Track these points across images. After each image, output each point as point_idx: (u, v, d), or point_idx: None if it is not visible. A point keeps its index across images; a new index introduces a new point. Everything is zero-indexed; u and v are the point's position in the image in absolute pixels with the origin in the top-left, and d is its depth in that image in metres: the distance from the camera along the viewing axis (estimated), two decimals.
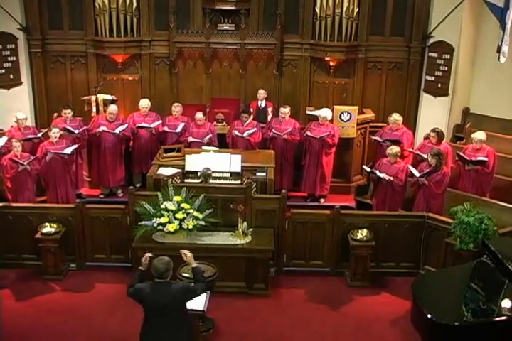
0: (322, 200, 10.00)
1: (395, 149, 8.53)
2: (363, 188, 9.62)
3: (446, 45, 10.47)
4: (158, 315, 5.00)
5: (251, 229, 7.60)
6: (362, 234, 7.80)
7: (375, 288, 7.78)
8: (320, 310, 7.35)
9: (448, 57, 10.48)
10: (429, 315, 5.67)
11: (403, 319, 6.94)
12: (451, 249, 7.49)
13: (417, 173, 8.19)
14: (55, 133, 8.87)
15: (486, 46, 10.46)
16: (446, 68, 10.55)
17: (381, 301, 7.54)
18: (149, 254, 5.45)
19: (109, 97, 10.22)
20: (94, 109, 10.04)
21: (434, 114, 10.74)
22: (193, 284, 5.30)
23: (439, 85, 10.68)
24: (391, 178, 8.37)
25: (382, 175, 8.42)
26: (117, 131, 9.58)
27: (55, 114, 10.06)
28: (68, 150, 8.80)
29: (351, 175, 10.32)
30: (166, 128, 9.80)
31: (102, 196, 9.95)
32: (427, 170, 8.13)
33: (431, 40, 10.63)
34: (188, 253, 5.46)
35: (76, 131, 9.45)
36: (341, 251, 7.94)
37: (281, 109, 9.69)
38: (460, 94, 10.90)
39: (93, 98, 10.06)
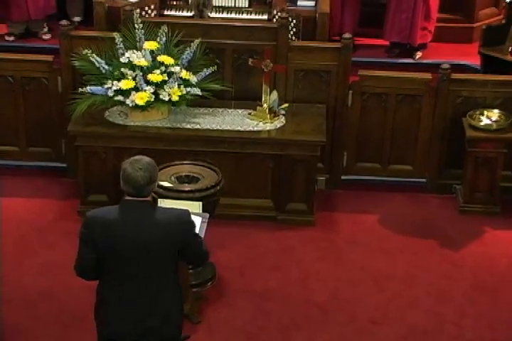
0: (418, 54, 9.41)
1: None
2: (497, 32, 8.91)
3: None
4: (129, 265, 4.67)
5: (286, 105, 7.23)
6: (490, 117, 7.37)
7: (510, 218, 7.39)
8: (408, 253, 6.96)
9: None
10: None
11: None
12: None
13: None
14: None
15: None
16: None
17: None
18: None
19: None
20: None
21: None
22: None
23: None
24: None
25: None
26: None
27: None
28: None
29: (475, 8, 9.75)
30: None
31: (11, 38, 9.69)
32: None
33: None
34: None
35: None
36: (449, 148, 7.60)
37: None
38: None
39: None
